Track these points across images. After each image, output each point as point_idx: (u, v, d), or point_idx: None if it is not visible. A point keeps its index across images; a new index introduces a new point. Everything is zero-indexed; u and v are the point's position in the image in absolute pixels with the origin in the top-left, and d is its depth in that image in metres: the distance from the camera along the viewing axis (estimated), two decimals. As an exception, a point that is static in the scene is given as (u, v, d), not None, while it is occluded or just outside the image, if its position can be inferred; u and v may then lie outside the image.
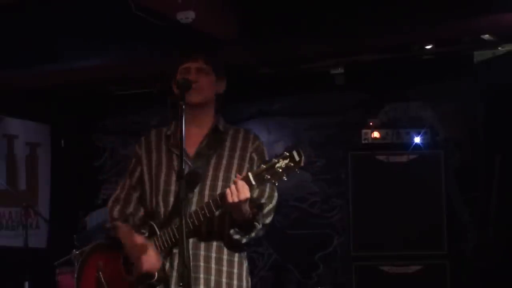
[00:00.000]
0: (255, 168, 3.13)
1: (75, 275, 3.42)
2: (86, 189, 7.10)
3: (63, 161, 6.93)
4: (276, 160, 2.92)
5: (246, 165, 3.21)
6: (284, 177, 2.94)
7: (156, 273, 3.07)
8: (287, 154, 2.92)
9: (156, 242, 3.10)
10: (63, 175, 6.90)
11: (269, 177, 2.93)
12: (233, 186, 2.94)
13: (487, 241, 5.59)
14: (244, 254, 3.26)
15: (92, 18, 5.25)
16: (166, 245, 3.09)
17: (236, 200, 2.94)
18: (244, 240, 3.16)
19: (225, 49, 5.34)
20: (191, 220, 3.03)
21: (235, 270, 3.18)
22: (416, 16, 4.86)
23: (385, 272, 5.49)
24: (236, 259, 3.19)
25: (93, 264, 3.31)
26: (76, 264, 5.08)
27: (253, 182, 2.94)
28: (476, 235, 5.77)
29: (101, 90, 6.89)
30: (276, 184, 3.03)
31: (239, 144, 3.25)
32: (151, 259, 3.07)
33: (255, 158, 3.23)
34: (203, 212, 3.03)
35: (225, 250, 3.16)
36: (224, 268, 3.15)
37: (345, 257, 5.81)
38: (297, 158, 2.91)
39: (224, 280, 3.14)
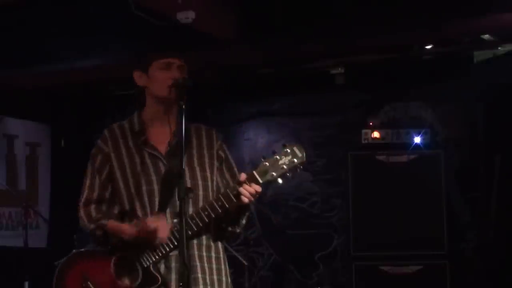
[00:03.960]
0: (224, 167, 3.18)
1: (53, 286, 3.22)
2: (86, 189, 7.09)
3: (63, 161, 6.93)
4: (278, 157, 2.92)
5: (216, 163, 3.20)
6: (288, 174, 2.94)
7: (160, 278, 3.05)
8: (288, 150, 2.91)
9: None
10: (63, 175, 6.89)
11: (274, 174, 2.93)
12: (246, 187, 2.94)
13: (487, 241, 5.59)
14: (224, 250, 3.26)
15: (92, 18, 5.25)
16: (167, 249, 3.05)
17: (251, 200, 2.96)
18: (238, 230, 3.17)
19: (225, 49, 5.35)
20: (194, 221, 3.00)
21: (222, 267, 3.19)
22: (416, 16, 4.86)
23: (385, 272, 5.49)
24: (221, 255, 3.20)
25: (75, 274, 3.18)
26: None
27: (260, 181, 2.94)
28: (476, 235, 5.77)
29: (101, 90, 6.89)
30: (281, 182, 3.01)
31: (205, 141, 3.22)
32: (160, 228, 3.00)
33: (223, 155, 3.23)
34: (206, 213, 3.01)
35: (213, 248, 3.16)
36: (214, 266, 3.15)
37: (345, 257, 5.82)
38: (299, 154, 2.91)
39: (215, 277, 3.15)
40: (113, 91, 6.89)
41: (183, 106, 2.93)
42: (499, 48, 5.63)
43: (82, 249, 3.31)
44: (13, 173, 6.56)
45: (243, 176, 2.97)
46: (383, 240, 5.50)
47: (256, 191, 2.95)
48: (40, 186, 6.81)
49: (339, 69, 6.03)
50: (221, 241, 3.21)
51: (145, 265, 3.07)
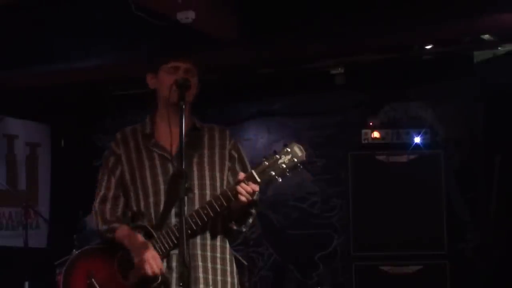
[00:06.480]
0: (237, 166, 3.20)
1: (61, 285, 3.26)
2: (86, 189, 7.08)
3: (63, 161, 6.93)
4: (278, 156, 2.95)
5: (227, 163, 3.23)
6: (288, 173, 2.95)
7: (160, 277, 3.06)
8: (289, 150, 2.94)
9: (156, 245, 3.08)
10: (63, 175, 6.89)
11: (273, 173, 2.95)
12: (244, 186, 2.96)
13: (487, 241, 5.59)
14: (231, 251, 3.28)
15: (92, 18, 5.25)
16: (168, 248, 3.07)
17: (249, 199, 2.98)
18: (244, 229, 3.19)
19: (225, 49, 5.34)
20: (194, 220, 3.03)
21: (228, 268, 3.21)
22: (416, 16, 4.85)
23: (385, 272, 5.49)
24: (228, 256, 3.22)
25: (81, 271, 3.20)
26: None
27: (258, 180, 2.97)
28: (476, 235, 5.77)
29: (101, 90, 6.89)
30: (280, 180, 3.03)
31: (217, 142, 3.25)
32: (157, 260, 3.05)
33: (235, 155, 3.25)
34: (205, 212, 3.03)
35: (218, 249, 3.18)
36: (219, 266, 3.17)
37: (345, 257, 5.82)
38: (299, 153, 2.94)
39: (219, 278, 3.16)
40: (113, 91, 6.89)
41: (183, 106, 2.95)
42: (499, 48, 5.63)
43: (90, 246, 3.35)
44: (13, 173, 6.56)
45: (241, 175, 3.01)
46: (383, 240, 5.50)
47: (254, 190, 2.97)
48: (40, 186, 6.81)
49: (339, 69, 6.03)
50: (228, 241, 3.22)
51: None
